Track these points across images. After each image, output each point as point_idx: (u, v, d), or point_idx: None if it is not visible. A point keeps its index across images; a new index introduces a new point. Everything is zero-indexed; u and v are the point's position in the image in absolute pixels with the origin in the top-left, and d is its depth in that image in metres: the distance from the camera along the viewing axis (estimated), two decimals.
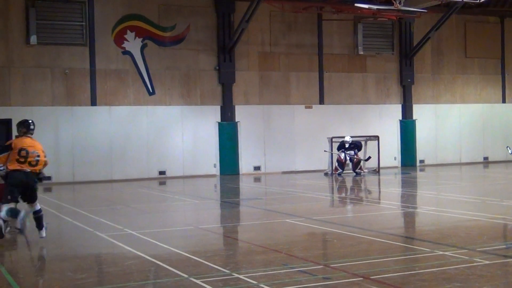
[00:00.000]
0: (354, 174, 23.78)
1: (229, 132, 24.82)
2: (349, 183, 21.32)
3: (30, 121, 10.41)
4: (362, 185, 20.67)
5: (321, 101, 26.69)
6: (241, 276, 7.28)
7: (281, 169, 25.73)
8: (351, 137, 24.19)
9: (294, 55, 26.26)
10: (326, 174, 24.19)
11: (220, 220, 13.43)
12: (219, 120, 24.81)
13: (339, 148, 24.02)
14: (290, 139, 25.98)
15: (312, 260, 8.16)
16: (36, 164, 10.14)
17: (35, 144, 10.27)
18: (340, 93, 27.09)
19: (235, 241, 10.44)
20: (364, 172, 24.13)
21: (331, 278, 7.11)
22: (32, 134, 10.36)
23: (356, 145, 24.09)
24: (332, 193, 19.07)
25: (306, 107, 26.36)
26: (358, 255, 8.41)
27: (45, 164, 10.38)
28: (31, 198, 10.25)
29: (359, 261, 7.98)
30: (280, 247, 9.06)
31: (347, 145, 23.88)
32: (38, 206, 10.35)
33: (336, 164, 23.94)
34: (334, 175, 23.56)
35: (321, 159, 25.08)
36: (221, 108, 24.90)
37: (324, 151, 24.38)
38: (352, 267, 7.61)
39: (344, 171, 23.87)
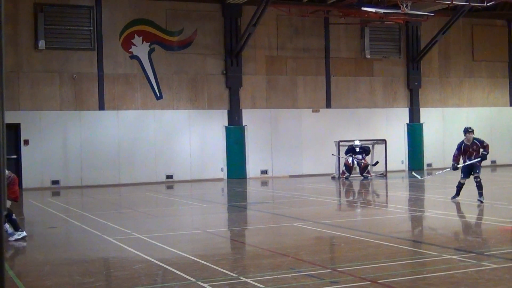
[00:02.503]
0: (362, 178, 23.75)
1: (236, 136, 24.84)
2: (356, 187, 21.29)
3: None
4: (370, 189, 20.65)
5: (328, 105, 26.69)
6: (248, 280, 7.30)
7: (288, 173, 25.72)
8: (359, 141, 24.19)
9: (301, 59, 26.27)
10: (333, 178, 24.18)
11: (227, 224, 13.45)
12: (227, 124, 24.85)
13: (347, 152, 24.01)
14: (297, 143, 25.97)
15: (319, 264, 8.17)
16: None
17: None
18: (347, 97, 27.06)
19: (243, 245, 10.45)
20: (371, 176, 24.10)
21: (339, 282, 7.12)
22: None
23: (364, 150, 24.08)
24: (340, 197, 19.07)
25: (313, 111, 26.35)
26: (366, 259, 8.40)
27: None
28: None
29: (367, 265, 7.98)
30: (287, 251, 9.07)
31: (357, 149, 23.86)
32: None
33: (344, 168, 23.93)
34: (341, 179, 23.54)
35: (328, 163, 25.07)
36: (229, 112, 24.94)
37: (332, 154, 24.38)
38: (360, 271, 7.62)
39: (352, 175, 23.85)
